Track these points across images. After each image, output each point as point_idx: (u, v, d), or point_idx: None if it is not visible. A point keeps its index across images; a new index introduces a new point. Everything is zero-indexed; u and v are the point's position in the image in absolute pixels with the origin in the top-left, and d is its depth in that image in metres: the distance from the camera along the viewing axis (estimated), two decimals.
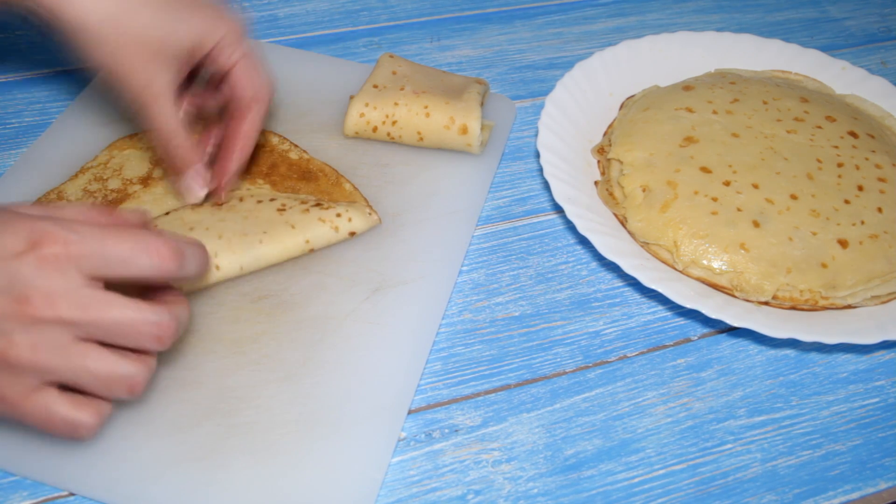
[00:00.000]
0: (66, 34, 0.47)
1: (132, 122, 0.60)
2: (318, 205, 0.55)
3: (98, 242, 0.38)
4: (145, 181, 0.56)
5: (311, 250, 0.54)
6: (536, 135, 0.61)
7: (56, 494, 0.44)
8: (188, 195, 0.54)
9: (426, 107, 0.61)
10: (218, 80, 0.53)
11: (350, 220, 0.55)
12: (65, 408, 0.39)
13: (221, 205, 0.54)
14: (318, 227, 0.54)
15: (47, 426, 0.39)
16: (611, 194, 0.60)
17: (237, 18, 0.51)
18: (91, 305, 0.37)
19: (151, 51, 0.47)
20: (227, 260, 0.51)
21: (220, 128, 0.55)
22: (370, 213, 0.56)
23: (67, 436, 0.40)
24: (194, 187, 0.53)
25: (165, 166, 0.54)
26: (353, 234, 0.55)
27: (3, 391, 0.38)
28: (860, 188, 0.58)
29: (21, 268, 0.36)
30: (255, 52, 0.52)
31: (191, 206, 0.54)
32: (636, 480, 0.47)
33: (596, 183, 0.61)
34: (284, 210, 0.54)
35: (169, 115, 0.50)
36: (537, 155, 0.60)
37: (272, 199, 0.55)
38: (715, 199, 0.56)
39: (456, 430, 0.48)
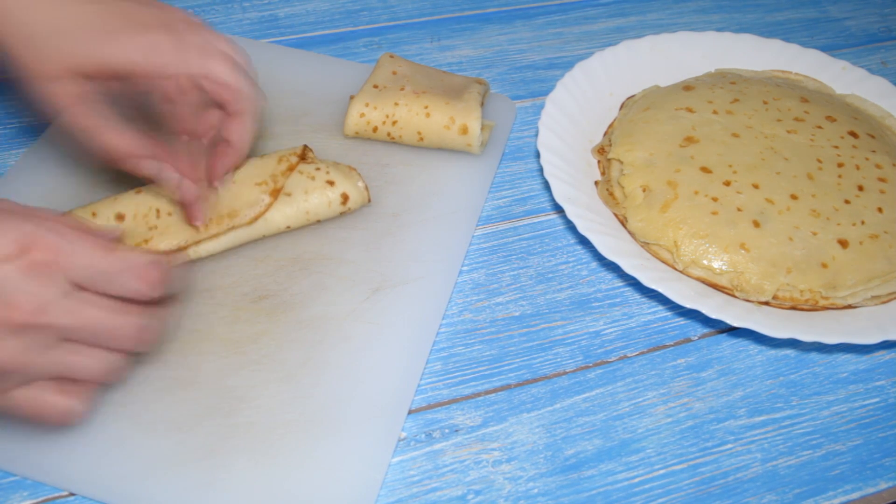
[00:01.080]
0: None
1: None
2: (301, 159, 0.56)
3: (88, 256, 0.38)
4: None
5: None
6: (536, 135, 0.61)
7: (56, 494, 0.44)
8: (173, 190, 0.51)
9: (426, 107, 0.61)
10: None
11: (329, 173, 0.56)
12: (54, 397, 0.39)
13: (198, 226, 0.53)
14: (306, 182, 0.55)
15: (38, 416, 0.40)
16: (611, 194, 0.60)
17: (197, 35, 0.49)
18: (77, 311, 0.38)
19: (68, 68, 0.47)
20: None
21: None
22: (358, 181, 0.57)
23: (58, 423, 0.40)
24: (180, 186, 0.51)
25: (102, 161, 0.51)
26: (345, 197, 0.56)
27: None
28: (860, 188, 0.58)
29: (9, 272, 0.36)
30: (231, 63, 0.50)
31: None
32: (636, 480, 0.47)
33: (596, 183, 0.61)
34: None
35: (87, 115, 0.48)
36: (537, 155, 0.60)
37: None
38: (715, 199, 0.56)
39: (456, 430, 0.48)
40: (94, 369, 0.40)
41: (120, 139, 0.49)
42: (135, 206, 0.53)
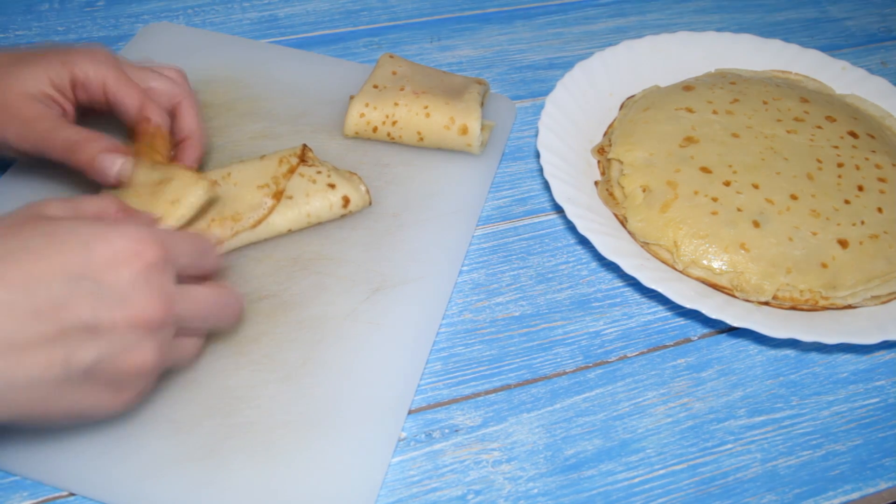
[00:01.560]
0: None
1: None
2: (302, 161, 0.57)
3: (184, 245, 0.42)
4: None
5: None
6: (536, 135, 0.61)
7: (56, 494, 0.44)
8: (106, 175, 0.50)
9: (426, 107, 0.61)
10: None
11: (330, 176, 0.56)
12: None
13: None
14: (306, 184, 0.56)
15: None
16: (611, 194, 0.60)
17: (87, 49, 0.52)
18: (194, 298, 0.41)
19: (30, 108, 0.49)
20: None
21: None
22: (359, 185, 0.57)
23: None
24: (109, 164, 0.50)
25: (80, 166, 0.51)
26: (346, 199, 0.56)
27: (132, 398, 0.40)
28: (860, 188, 0.58)
29: (131, 275, 0.37)
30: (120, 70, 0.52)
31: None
32: (636, 480, 0.47)
33: (596, 183, 0.61)
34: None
35: (55, 126, 0.50)
36: (537, 155, 0.60)
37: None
38: (715, 199, 0.56)
39: (456, 430, 0.48)
40: (196, 351, 0.44)
41: (84, 140, 0.50)
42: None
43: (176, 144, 0.55)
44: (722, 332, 0.55)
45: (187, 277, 0.42)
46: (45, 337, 0.35)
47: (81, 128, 0.50)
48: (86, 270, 0.37)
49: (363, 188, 0.57)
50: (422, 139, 0.61)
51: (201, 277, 0.44)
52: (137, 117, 0.52)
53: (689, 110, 0.63)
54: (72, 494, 0.44)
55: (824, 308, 0.54)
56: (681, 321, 0.55)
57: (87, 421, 0.43)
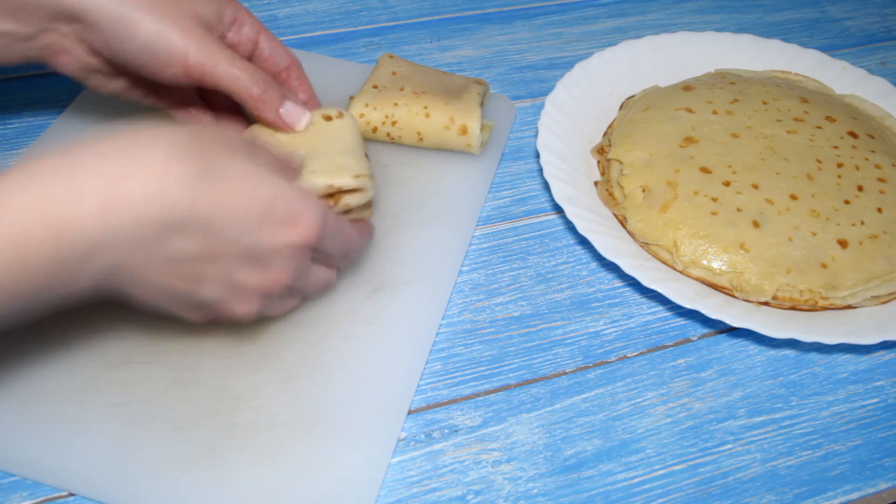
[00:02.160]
0: (98, 28, 0.47)
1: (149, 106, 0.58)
2: None
3: (338, 238, 0.45)
4: None
5: None
6: (536, 135, 0.61)
7: (56, 494, 0.44)
8: (297, 124, 0.51)
9: (426, 107, 0.61)
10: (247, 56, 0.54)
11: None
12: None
13: None
14: None
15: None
16: (611, 194, 0.60)
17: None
18: (341, 229, 0.45)
19: (193, 20, 0.48)
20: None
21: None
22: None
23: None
24: (294, 120, 0.51)
25: (257, 113, 0.51)
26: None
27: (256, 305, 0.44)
28: (860, 188, 0.58)
29: (279, 244, 0.40)
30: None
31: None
32: (636, 481, 0.47)
33: (596, 183, 0.61)
34: None
35: (231, 61, 0.49)
36: (537, 155, 0.60)
37: None
38: (715, 200, 0.56)
39: (456, 431, 0.48)
40: (325, 282, 0.47)
41: (266, 81, 0.50)
42: None
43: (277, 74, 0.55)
44: (722, 332, 0.55)
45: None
46: (189, 258, 0.39)
47: (250, 65, 0.50)
48: (258, 221, 0.39)
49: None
50: (421, 139, 0.61)
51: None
52: (283, 71, 0.54)
53: (689, 110, 0.63)
54: (72, 494, 0.44)
55: (824, 308, 0.54)
56: (681, 321, 0.55)
57: (205, 315, 0.45)
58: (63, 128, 0.61)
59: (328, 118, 0.52)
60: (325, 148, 0.51)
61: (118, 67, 0.51)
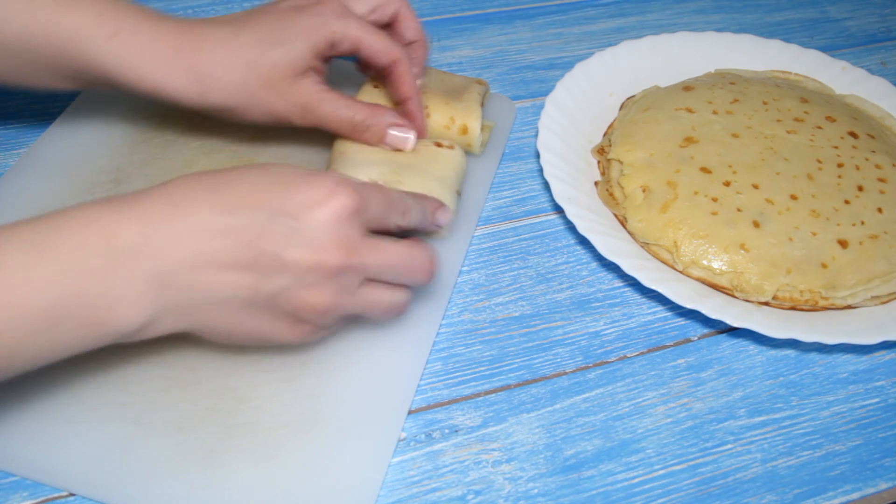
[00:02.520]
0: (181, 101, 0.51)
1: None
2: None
3: (378, 198, 0.43)
4: None
5: None
6: (536, 135, 0.61)
7: (56, 494, 0.44)
8: (404, 146, 0.55)
9: (426, 107, 0.60)
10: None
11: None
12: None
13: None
14: None
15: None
16: (611, 194, 0.60)
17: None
18: (381, 249, 0.43)
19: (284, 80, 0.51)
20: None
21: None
22: None
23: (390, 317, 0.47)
24: (402, 141, 0.54)
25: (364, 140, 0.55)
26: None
27: (308, 332, 0.44)
28: (860, 188, 0.58)
29: (321, 218, 0.40)
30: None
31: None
32: (636, 481, 0.47)
33: (596, 183, 0.61)
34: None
35: (335, 107, 0.53)
36: (537, 155, 0.60)
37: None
38: (715, 200, 0.56)
39: (456, 431, 0.48)
40: (391, 305, 0.45)
41: (372, 117, 0.54)
42: None
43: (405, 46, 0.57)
44: (722, 332, 0.55)
45: (387, 233, 0.44)
46: (241, 261, 0.39)
47: (354, 101, 0.54)
48: (286, 209, 0.40)
49: None
50: None
51: (404, 235, 0.46)
52: (388, 64, 0.55)
53: (689, 110, 0.63)
54: (72, 494, 0.44)
55: (824, 308, 0.54)
56: (681, 321, 0.55)
57: (267, 345, 0.46)
58: (63, 128, 0.61)
59: (439, 145, 0.55)
60: (423, 167, 0.53)
61: None
